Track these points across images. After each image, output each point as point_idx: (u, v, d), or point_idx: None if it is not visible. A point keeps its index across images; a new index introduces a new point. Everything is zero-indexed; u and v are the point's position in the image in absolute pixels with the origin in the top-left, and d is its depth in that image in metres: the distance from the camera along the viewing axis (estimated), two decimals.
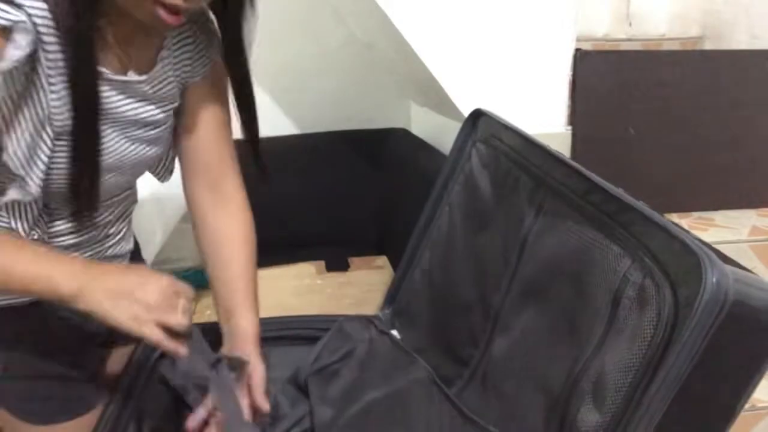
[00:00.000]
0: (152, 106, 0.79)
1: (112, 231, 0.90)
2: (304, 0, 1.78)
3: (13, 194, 0.72)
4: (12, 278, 0.69)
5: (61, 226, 0.81)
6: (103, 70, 0.71)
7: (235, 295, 0.88)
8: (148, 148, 0.82)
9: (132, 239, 0.97)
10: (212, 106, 0.87)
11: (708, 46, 2.02)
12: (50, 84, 0.66)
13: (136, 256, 1.01)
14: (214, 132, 0.88)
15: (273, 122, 1.90)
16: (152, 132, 0.81)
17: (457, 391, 0.92)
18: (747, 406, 0.60)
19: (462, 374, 0.93)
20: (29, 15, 0.61)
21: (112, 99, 0.74)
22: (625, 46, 1.99)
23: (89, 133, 0.70)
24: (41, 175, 0.70)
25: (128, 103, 0.76)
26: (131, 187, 0.91)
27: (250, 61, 0.83)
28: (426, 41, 1.31)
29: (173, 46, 0.80)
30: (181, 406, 0.92)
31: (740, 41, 1.89)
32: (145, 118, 0.79)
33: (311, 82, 1.89)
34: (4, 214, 0.76)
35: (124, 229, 0.93)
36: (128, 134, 0.78)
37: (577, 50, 1.43)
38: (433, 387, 0.93)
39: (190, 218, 0.93)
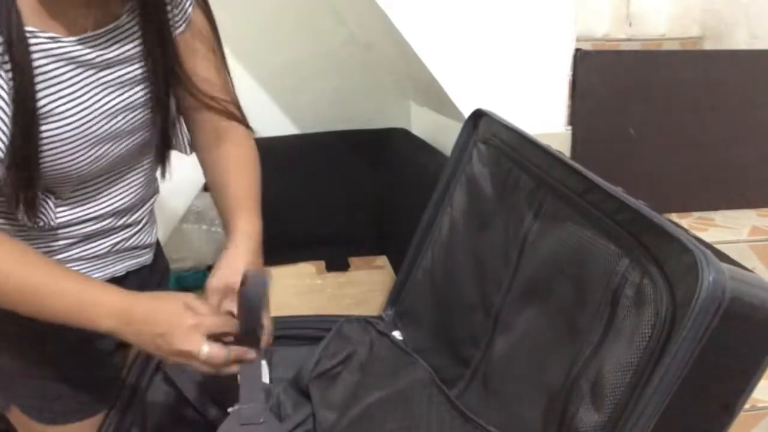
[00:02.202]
0: (124, 63, 0.78)
1: (131, 221, 0.89)
2: (304, 0, 1.79)
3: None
4: (44, 302, 0.68)
5: (70, 215, 0.81)
6: (54, 35, 0.70)
7: (232, 203, 0.85)
8: (137, 113, 0.80)
9: (155, 232, 0.97)
10: (204, 55, 0.85)
11: (708, 46, 2.02)
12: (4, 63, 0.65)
13: (158, 252, 1.01)
14: (211, 80, 0.86)
15: (273, 122, 1.90)
16: (135, 92, 0.80)
17: (459, 392, 0.92)
18: (747, 406, 0.60)
19: (464, 375, 0.93)
20: None
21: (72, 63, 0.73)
22: (625, 46, 1.99)
23: (26, 98, 0.69)
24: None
25: (94, 64, 0.75)
26: (139, 169, 0.88)
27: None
28: (426, 41, 1.31)
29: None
30: (184, 407, 0.93)
31: (740, 41, 1.88)
32: (120, 76, 0.78)
33: (311, 82, 1.89)
34: (3, 201, 0.75)
35: (144, 220, 0.92)
36: (108, 97, 0.77)
37: (577, 50, 1.43)
38: (433, 388, 0.93)
39: (190, 217, 0.93)
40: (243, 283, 0.76)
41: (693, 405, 0.57)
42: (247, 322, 0.75)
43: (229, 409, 0.77)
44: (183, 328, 0.68)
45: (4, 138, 0.67)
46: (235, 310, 0.77)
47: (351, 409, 0.90)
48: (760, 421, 1.30)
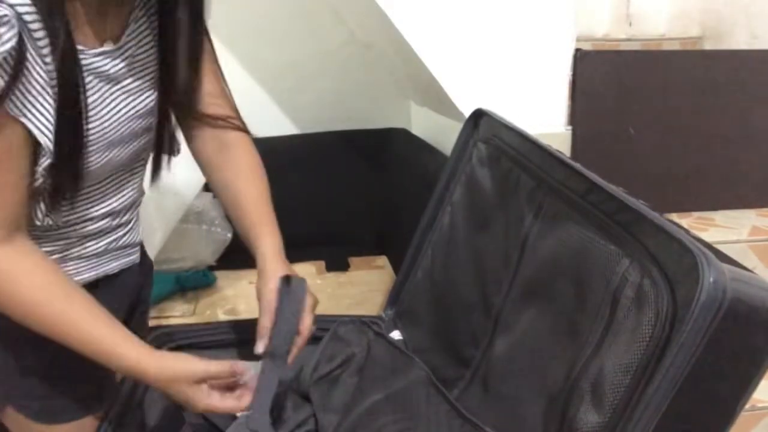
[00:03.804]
0: (137, 72, 0.80)
1: (123, 221, 0.91)
2: (304, 0, 1.79)
3: None
4: (70, 334, 0.73)
5: (73, 216, 0.82)
6: (80, 47, 0.71)
7: (245, 223, 0.90)
8: (142, 119, 0.82)
9: (140, 230, 0.98)
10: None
11: (708, 46, 2.02)
12: (45, 64, 0.66)
13: (143, 251, 1.02)
14: (207, 82, 0.88)
15: (273, 122, 1.90)
16: (142, 99, 0.82)
17: (459, 393, 0.92)
18: (747, 406, 0.59)
19: (464, 375, 0.93)
20: (11, 5, 0.62)
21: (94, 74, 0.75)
22: (625, 46, 1.99)
23: (72, 107, 0.71)
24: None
25: (112, 75, 0.77)
26: (136, 171, 0.90)
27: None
28: (426, 41, 1.31)
29: (146, 6, 0.80)
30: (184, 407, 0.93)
31: (740, 41, 1.88)
32: (130, 84, 0.79)
33: (311, 82, 1.89)
34: None
35: (134, 220, 0.94)
36: (123, 105, 0.79)
37: (577, 50, 1.43)
38: (431, 388, 0.92)
39: (190, 217, 0.93)
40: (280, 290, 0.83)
41: (693, 406, 0.57)
42: (285, 328, 0.80)
43: (238, 414, 0.77)
44: (197, 406, 0.76)
45: (50, 135, 0.69)
46: None
47: (352, 412, 0.90)
48: (760, 421, 1.30)
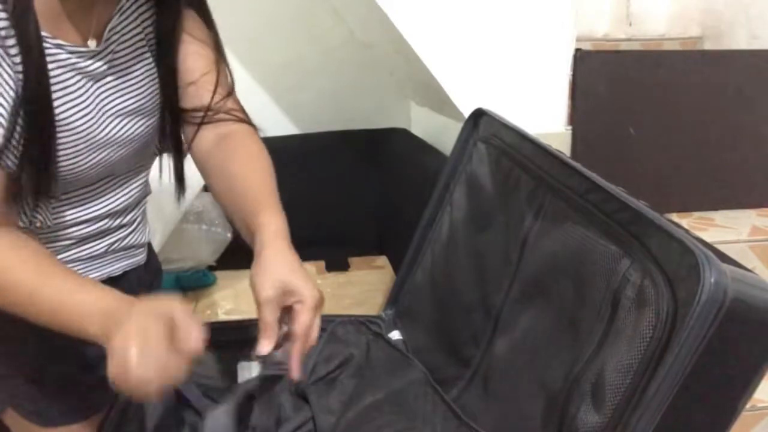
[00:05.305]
0: (122, 70, 0.78)
1: (125, 221, 0.89)
2: (304, 0, 1.79)
3: None
4: (37, 302, 0.65)
5: (68, 216, 0.81)
6: (61, 42, 0.70)
7: (241, 206, 0.78)
8: (138, 119, 0.81)
9: (147, 231, 0.97)
10: (198, 53, 0.83)
11: (708, 46, 2.02)
12: (10, 56, 0.65)
13: (150, 251, 1.01)
14: (205, 77, 0.84)
15: (273, 122, 1.90)
16: (136, 97, 0.80)
17: (458, 393, 0.92)
18: (747, 406, 0.60)
19: (464, 375, 0.93)
20: None
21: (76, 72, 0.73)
22: (625, 46, 1.99)
23: (41, 101, 0.68)
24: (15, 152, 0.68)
25: (93, 73, 0.75)
26: (137, 172, 0.88)
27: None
28: (426, 41, 1.31)
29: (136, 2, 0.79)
30: (184, 408, 0.92)
31: (740, 41, 1.88)
32: (118, 83, 0.78)
33: (311, 82, 1.89)
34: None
35: (138, 219, 0.92)
36: (111, 105, 0.78)
37: (577, 50, 1.43)
38: (429, 388, 0.92)
39: (190, 217, 0.92)
40: None
41: (694, 406, 0.57)
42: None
43: None
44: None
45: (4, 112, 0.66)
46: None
47: (349, 412, 0.90)
48: (760, 421, 1.30)
